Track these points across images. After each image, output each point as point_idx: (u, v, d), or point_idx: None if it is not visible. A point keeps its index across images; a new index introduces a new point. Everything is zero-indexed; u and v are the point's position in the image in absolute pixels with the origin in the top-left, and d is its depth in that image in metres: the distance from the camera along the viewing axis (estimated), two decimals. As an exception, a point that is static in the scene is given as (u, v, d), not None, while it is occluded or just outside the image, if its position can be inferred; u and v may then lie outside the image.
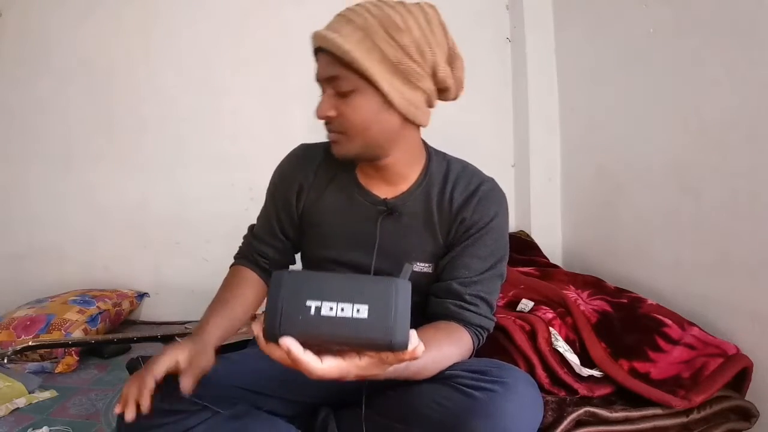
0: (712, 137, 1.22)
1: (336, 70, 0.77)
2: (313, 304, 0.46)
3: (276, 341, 0.48)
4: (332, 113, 0.79)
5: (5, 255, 1.96)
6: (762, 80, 1.08)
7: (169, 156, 1.99)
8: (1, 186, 1.97)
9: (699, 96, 1.25)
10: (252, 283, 0.93)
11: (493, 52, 2.05)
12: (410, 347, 0.49)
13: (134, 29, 1.97)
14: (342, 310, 0.45)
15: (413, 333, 0.49)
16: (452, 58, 0.82)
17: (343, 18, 0.78)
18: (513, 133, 2.07)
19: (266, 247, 0.95)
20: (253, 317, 0.88)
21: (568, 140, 1.91)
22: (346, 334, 0.46)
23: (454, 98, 0.87)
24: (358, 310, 0.45)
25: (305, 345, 0.48)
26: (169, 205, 2.00)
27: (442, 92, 0.85)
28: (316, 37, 0.79)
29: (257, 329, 0.50)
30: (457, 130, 1.97)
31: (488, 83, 2.04)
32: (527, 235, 1.90)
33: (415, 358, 0.52)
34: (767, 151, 1.07)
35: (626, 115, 1.55)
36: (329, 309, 0.46)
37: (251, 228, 1.00)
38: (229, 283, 0.92)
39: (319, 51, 0.80)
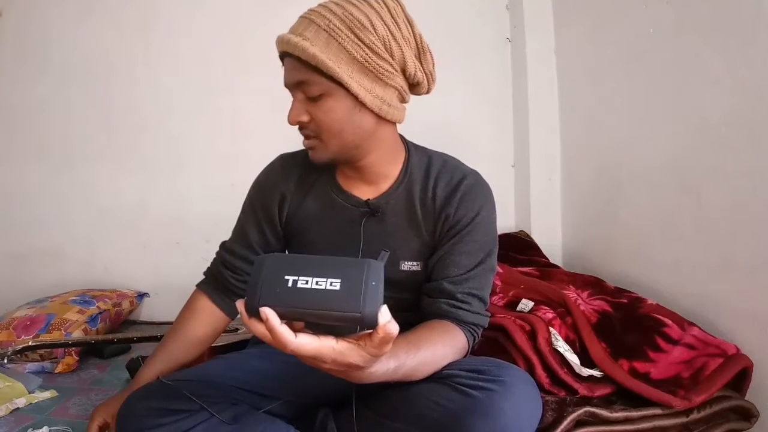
0: (712, 137, 1.21)
1: (304, 74, 0.77)
2: (290, 278, 0.50)
3: (257, 314, 0.50)
4: (305, 118, 0.80)
5: (5, 255, 1.96)
6: (762, 80, 1.08)
7: (168, 156, 1.99)
8: (1, 186, 1.97)
9: (699, 96, 1.25)
10: (204, 317, 0.94)
11: (493, 52, 2.05)
12: (381, 321, 0.50)
13: (134, 29, 1.97)
14: (317, 283, 0.49)
15: (385, 309, 0.51)
16: (421, 52, 0.82)
17: (306, 20, 0.77)
18: (513, 133, 2.07)
19: (239, 261, 0.94)
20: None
21: (568, 140, 1.90)
22: (319, 304, 0.49)
23: (427, 92, 0.87)
24: (331, 284, 0.49)
25: (285, 320, 0.51)
26: (169, 205, 1.99)
27: (414, 87, 0.84)
28: (281, 42, 0.78)
29: (240, 306, 0.52)
30: (457, 130, 1.98)
31: (488, 83, 2.05)
32: (527, 235, 1.90)
33: (388, 338, 0.51)
34: (767, 151, 1.07)
35: (626, 115, 1.55)
36: (305, 282, 0.49)
37: (223, 244, 0.99)
38: (182, 315, 0.95)
39: (285, 56, 0.79)
